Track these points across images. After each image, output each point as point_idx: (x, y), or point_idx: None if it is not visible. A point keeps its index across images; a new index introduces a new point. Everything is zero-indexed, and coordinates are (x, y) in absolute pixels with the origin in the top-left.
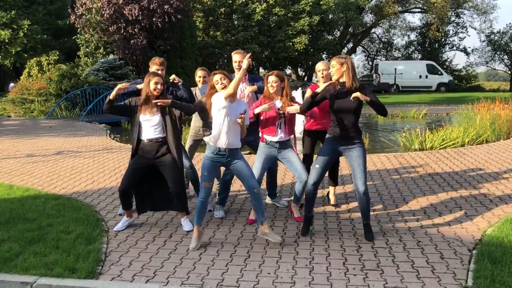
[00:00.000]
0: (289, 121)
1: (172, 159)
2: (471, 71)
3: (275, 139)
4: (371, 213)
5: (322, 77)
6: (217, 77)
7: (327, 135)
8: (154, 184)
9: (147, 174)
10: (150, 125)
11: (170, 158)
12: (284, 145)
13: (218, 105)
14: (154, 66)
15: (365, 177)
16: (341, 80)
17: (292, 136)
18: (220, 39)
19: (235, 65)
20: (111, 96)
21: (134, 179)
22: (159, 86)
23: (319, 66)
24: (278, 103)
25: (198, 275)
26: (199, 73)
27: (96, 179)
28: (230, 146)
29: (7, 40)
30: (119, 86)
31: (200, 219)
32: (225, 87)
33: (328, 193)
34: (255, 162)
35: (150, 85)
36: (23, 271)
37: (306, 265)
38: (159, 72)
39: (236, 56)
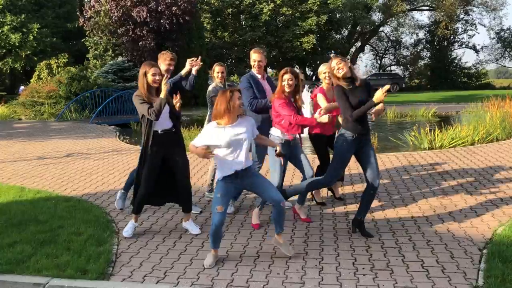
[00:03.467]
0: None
1: (184, 151)
2: (480, 68)
3: (294, 136)
4: (381, 212)
5: (324, 78)
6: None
7: (346, 136)
8: (163, 176)
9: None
10: (162, 116)
11: (182, 150)
12: (296, 141)
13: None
14: (165, 61)
15: None
16: (347, 76)
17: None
18: (227, 39)
19: (254, 64)
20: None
21: (155, 179)
22: (157, 77)
23: (322, 68)
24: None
25: (208, 276)
26: (217, 69)
27: (106, 180)
28: (246, 166)
29: (17, 44)
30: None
31: (217, 243)
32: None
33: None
34: (277, 165)
35: (148, 77)
36: (35, 272)
37: (316, 265)
38: (170, 68)
39: (255, 56)
